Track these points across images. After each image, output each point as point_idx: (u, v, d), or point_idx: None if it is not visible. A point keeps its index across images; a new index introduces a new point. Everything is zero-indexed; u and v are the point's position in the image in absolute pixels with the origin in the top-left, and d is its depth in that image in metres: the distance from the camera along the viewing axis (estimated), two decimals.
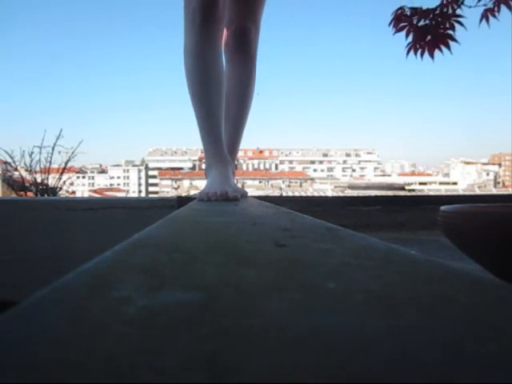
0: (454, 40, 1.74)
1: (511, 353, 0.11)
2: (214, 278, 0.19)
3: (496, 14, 1.72)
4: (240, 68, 1.34)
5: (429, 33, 1.73)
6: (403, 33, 1.77)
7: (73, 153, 3.99)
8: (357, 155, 76.06)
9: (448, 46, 1.73)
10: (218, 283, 0.18)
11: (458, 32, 1.73)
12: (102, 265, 0.21)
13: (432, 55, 1.75)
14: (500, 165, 75.15)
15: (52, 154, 3.86)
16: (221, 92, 1.15)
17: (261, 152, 74.34)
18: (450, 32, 1.72)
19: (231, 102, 1.30)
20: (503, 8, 1.72)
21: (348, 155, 76.17)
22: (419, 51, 1.77)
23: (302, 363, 0.10)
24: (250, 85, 1.38)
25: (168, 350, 0.11)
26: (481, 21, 1.74)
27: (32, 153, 3.83)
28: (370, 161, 75.27)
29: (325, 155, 76.04)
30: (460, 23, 1.71)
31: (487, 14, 1.73)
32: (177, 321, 0.13)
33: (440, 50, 1.73)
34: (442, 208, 0.89)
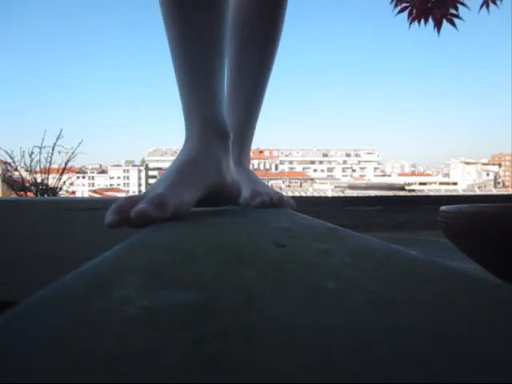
0: (458, 17, 1.73)
1: (511, 353, 0.11)
2: (214, 278, 0.19)
3: (498, 1, 1.72)
4: None
5: (432, 10, 1.73)
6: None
7: (73, 153, 4.00)
8: (357, 155, 76.05)
9: (453, 23, 1.73)
10: (217, 283, 0.18)
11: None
12: (102, 265, 0.21)
13: (438, 26, 1.74)
14: (500, 165, 75.16)
15: (52, 154, 3.87)
16: (225, 19, 0.57)
17: (261, 152, 74.34)
18: (453, 11, 1.72)
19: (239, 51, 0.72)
20: (505, 4, 1.72)
21: (348, 155, 76.15)
22: (422, 20, 1.76)
23: (302, 363, 0.10)
24: (276, 21, 0.73)
25: (168, 350, 0.11)
26: (481, 7, 1.73)
27: (32, 153, 3.84)
28: (369, 161, 75.27)
29: (325, 155, 76.03)
30: (464, 4, 1.71)
31: (488, 1, 1.72)
32: (177, 321, 0.13)
33: (449, 20, 1.72)
34: (442, 208, 0.89)
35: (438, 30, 1.74)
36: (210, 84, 0.56)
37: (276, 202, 0.62)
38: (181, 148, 0.55)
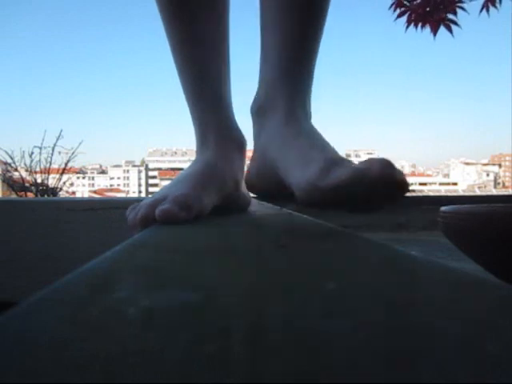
0: (455, 24, 1.74)
1: (511, 353, 0.11)
2: (214, 278, 0.19)
3: (497, 5, 1.72)
4: None
5: (431, 16, 1.73)
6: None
7: (73, 153, 4.01)
8: (356, 156, 76.04)
9: (450, 29, 1.73)
10: (217, 283, 0.18)
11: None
12: (102, 265, 0.21)
13: (434, 31, 1.75)
14: (500, 165, 75.15)
15: (52, 154, 3.88)
16: (224, 22, 0.52)
17: None
18: (452, 17, 1.73)
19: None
20: (505, 2, 1.72)
21: (348, 156, 76.16)
22: (419, 25, 1.77)
23: (301, 363, 0.10)
24: None
25: (168, 351, 0.11)
26: (481, 10, 1.74)
27: (32, 153, 3.85)
28: None
29: None
30: (462, 8, 1.72)
31: (487, 4, 1.73)
32: (177, 321, 0.13)
33: (446, 25, 1.73)
34: (442, 208, 0.89)
35: (434, 34, 1.75)
36: (221, 89, 0.52)
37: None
38: (195, 158, 0.52)
